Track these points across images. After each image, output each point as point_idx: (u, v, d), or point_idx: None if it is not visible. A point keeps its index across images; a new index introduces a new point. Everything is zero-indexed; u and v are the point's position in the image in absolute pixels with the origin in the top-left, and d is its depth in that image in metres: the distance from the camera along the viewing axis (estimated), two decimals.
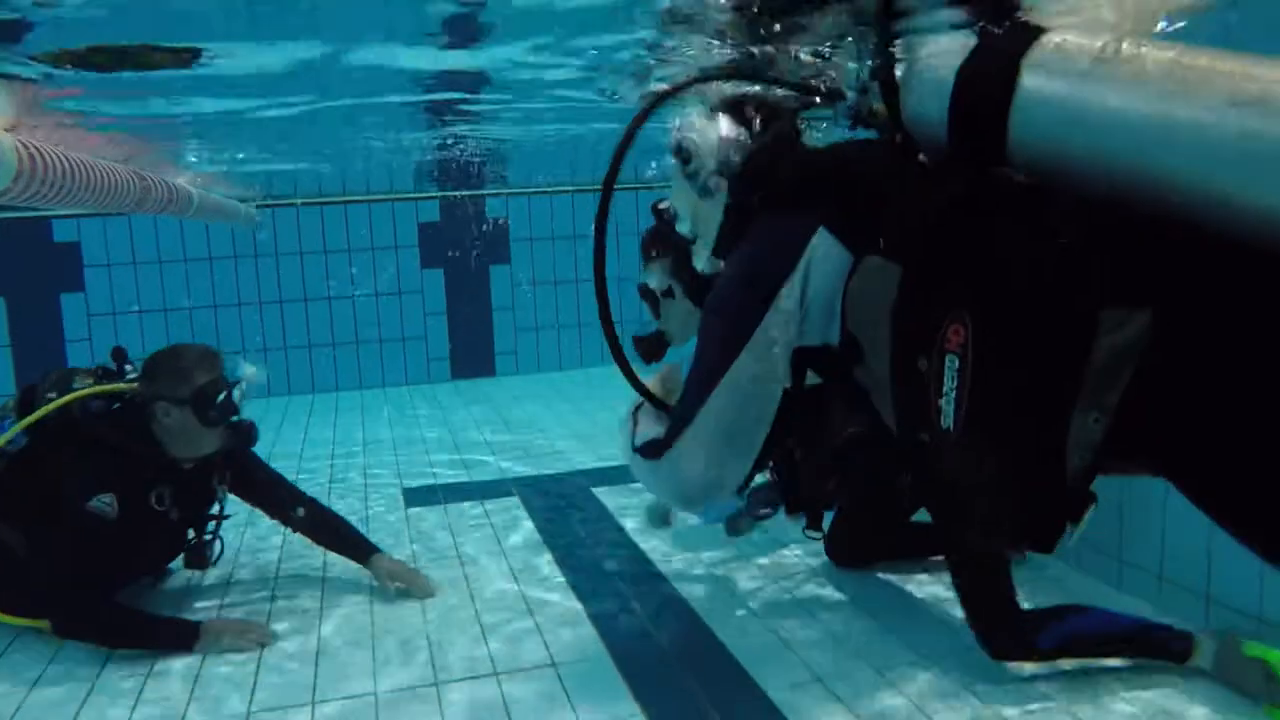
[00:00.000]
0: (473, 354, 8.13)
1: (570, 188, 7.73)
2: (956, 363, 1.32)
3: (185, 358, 3.01)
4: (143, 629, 2.95)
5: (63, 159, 2.88)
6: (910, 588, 3.17)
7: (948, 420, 1.35)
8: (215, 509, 3.30)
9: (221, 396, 2.98)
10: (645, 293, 2.76)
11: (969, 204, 1.39)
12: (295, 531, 3.45)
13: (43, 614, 2.91)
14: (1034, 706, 2.41)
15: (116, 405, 3.04)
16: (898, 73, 1.66)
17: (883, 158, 1.65)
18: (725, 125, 2.01)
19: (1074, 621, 2.54)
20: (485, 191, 8.02)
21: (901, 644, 2.79)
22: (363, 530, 3.59)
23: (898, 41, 2.15)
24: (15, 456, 3.03)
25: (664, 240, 2.92)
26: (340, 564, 3.55)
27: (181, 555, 3.30)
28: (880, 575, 3.30)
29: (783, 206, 1.71)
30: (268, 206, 7.35)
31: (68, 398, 2.98)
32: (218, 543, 3.32)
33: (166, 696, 2.68)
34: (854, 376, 1.63)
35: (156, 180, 4.20)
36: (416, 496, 4.57)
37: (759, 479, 2.92)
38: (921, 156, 1.60)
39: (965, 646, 2.64)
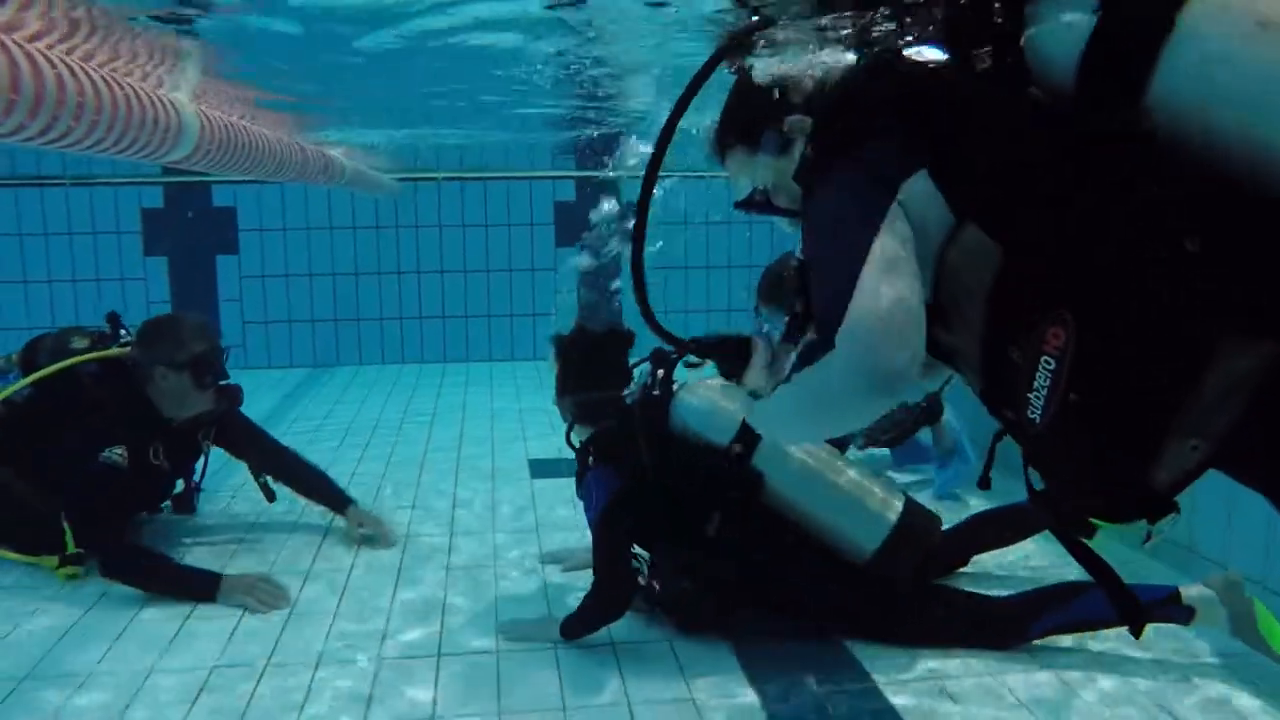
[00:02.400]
0: None
1: (706, 174, 7.69)
2: (1052, 364, 1.21)
3: (183, 326, 3.32)
4: (174, 577, 3.13)
5: (236, 129, 3.07)
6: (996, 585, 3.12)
7: (1035, 414, 1.25)
8: (201, 462, 3.64)
9: (215, 362, 3.30)
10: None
11: (1087, 180, 1.21)
12: (278, 480, 3.70)
13: (93, 557, 3.14)
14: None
15: (112, 368, 3.30)
16: None
17: (990, 94, 1.36)
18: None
19: (1069, 611, 2.67)
20: (620, 173, 8.09)
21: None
22: (489, 497, 3.88)
23: None
24: (20, 407, 3.30)
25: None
26: (467, 534, 3.72)
27: (169, 502, 3.66)
28: (968, 571, 3.24)
29: (874, 138, 1.41)
30: (411, 179, 7.61)
31: (69, 361, 3.26)
32: (200, 491, 3.69)
33: (244, 648, 2.87)
34: (938, 341, 1.41)
35: (314, 151, 4.42)
36: (541, 468, 4.70)
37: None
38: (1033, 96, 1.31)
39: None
